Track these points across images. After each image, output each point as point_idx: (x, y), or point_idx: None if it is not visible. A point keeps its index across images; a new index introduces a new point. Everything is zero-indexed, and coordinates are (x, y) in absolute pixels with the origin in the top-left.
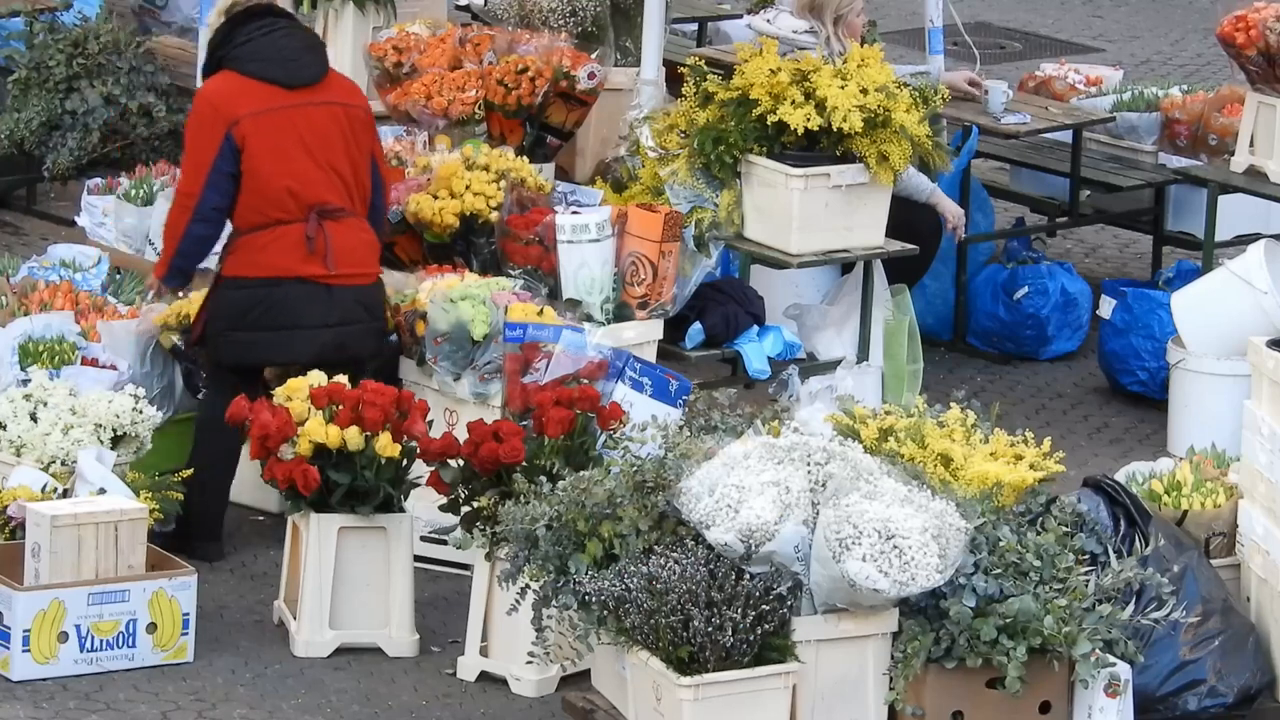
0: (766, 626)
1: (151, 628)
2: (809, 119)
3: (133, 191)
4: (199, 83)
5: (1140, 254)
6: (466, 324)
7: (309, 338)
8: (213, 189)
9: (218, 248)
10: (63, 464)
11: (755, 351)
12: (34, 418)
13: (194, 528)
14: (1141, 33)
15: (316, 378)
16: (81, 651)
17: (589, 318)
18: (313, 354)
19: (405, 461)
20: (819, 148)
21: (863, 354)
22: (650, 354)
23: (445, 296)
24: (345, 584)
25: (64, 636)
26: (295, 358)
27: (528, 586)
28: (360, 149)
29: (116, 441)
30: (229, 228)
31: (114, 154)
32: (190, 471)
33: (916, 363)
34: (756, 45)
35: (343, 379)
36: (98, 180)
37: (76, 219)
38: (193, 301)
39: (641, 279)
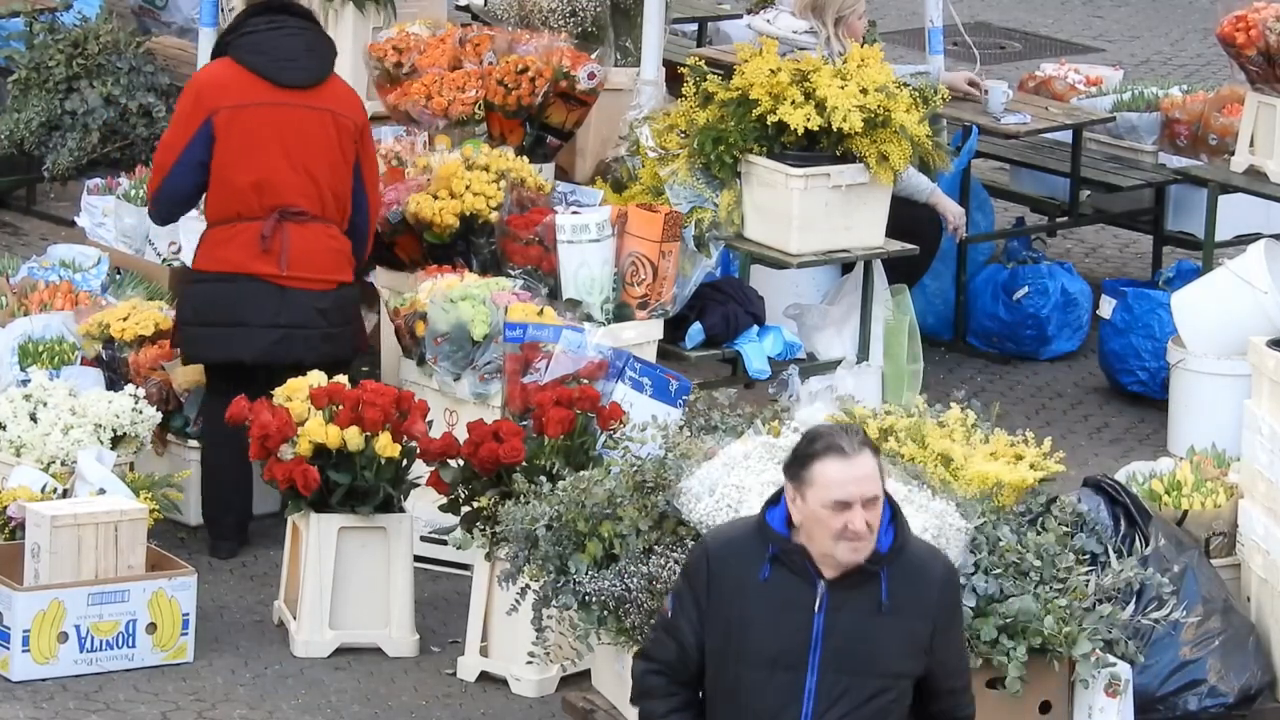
0: None
1: (151, 628)
2: (809, 119)
3: (133, 191)
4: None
5: (1140, 254)
6: (466, 324)
7: (255, 336)
8: (179, 173)
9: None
10: (63, 464)
11: (755, 351)
12: (34, 418)
13: (208, 525)
14: (1141, 33)
15: (317, 378)
16: (81, 652)
17: (589, 318)
18: (256, 353)
19: (405, 461)
20: (819, 148)
21: (863, 354)
22: (650, 354)
23: (445, 296)
24: (345, 584)
25: (64, 637)
26: (239, 355)
27: (528, 586)
28: (345, 159)
29: (116, 441)
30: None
31: (114, 154)
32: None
33: (916, 363)
34: (756, 45)
35: (343, 379)
36: (98, 180)
37: (76, 219)
38: (117, 312)
39: (641, 279)
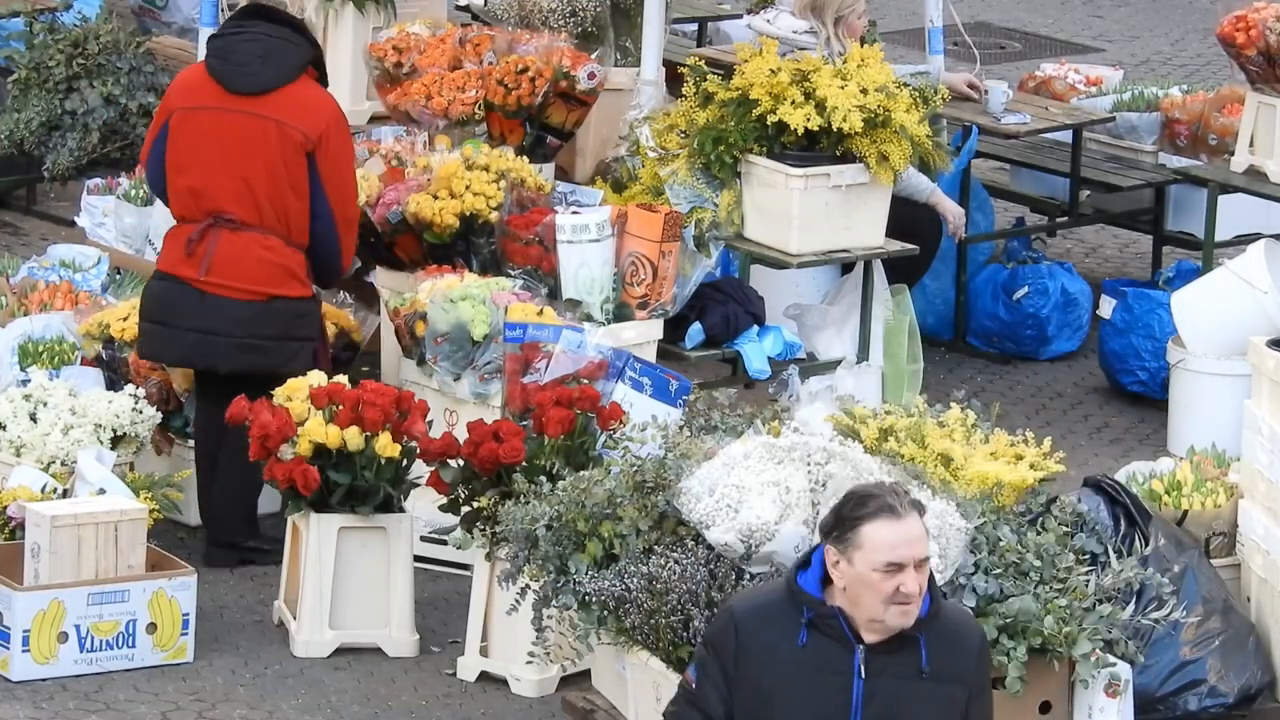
0: None
1: (151, 628)
2: (809, 119)
3: (133, 191)
4: (230, 90)
5: (1140, 254)
6: (466, 324)
7: (173, 337)
8: (149, 168)
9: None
10: (63, 464)
11: (755, 351)
12: (34, 418)
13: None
14: (1141, 33)
15: (317, 378)
16: (81, 651)
17: (589, 318)
18: (174, 355)
19: (405, 461)
20: (819, 148)
21: (863, 354)
22: (650, 354)
23: (445, 296)
24: (345, 584)
25: (64, 637)
26: (160, 354)
27: (528, 586)
28: (288, 170)
29: (116, 441)
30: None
31: (114, 154)
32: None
33: (916, 363)
34: (756, 45)
35: (343, 379)
36: (98, 180)
37: (76, 219)
38: (117, 312)
39: (641, 279)
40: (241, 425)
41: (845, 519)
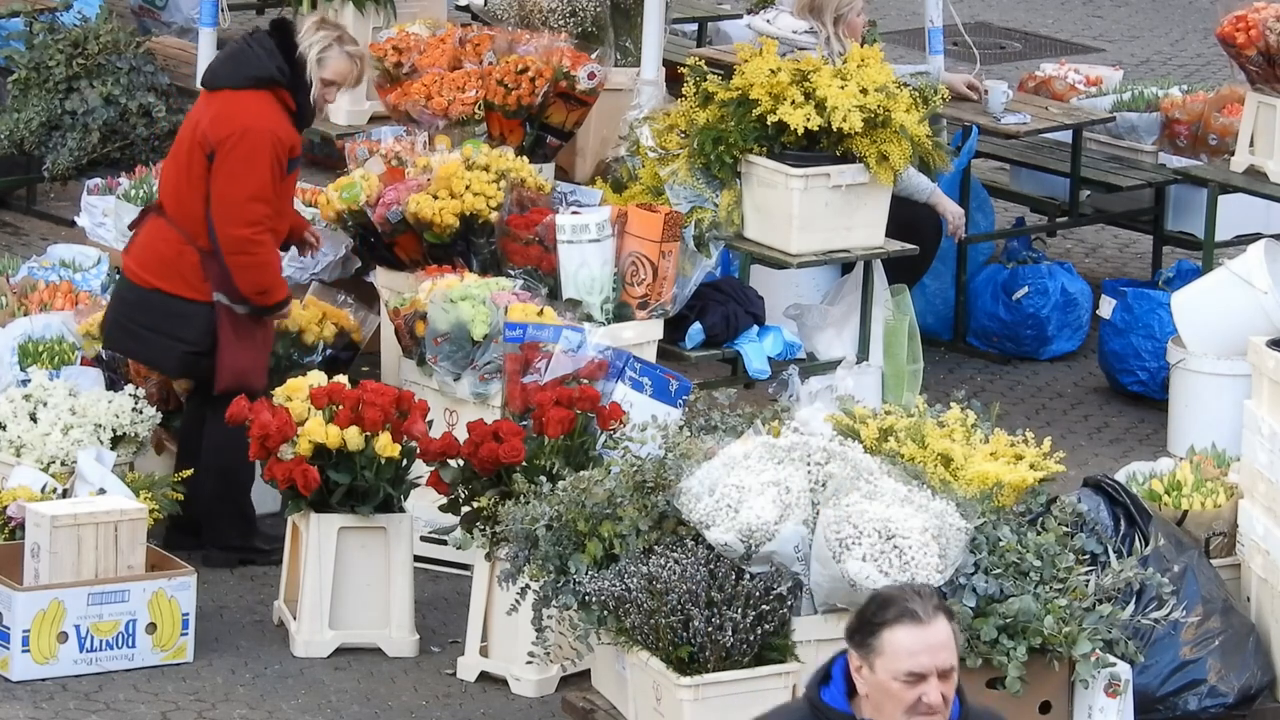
0: (766, 626)
1: (151, 628)
2: (809, 119)
3: (133, 191)
4: (199, 83)
5: (1140, 254)
6: (466, 324)
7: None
8: None
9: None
10: (63, 464)
11: (755, 351)
12: (34, 418)
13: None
14: (1141, 33)
15: (316, 378)
16: (81, 651)
17: (589, 318)
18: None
19: (405, 461)
20: (819, 148)
21: (863, 354)
22: (650, 354)
23: (445, 296)
24: (345, 584)
25: (64, 636)
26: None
27: (528, 586)
28: (189, 167)
29: (116, 441)
30: None
31: (114, 154)
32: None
33: (916, 363)
34: (756, 45)
35: (343, 379)
36: (98, 180)
37: (76, 219)
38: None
39: (641, 279)
40: (222, 426)
41: (867, 623)
